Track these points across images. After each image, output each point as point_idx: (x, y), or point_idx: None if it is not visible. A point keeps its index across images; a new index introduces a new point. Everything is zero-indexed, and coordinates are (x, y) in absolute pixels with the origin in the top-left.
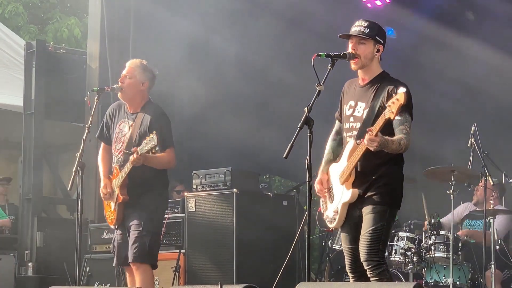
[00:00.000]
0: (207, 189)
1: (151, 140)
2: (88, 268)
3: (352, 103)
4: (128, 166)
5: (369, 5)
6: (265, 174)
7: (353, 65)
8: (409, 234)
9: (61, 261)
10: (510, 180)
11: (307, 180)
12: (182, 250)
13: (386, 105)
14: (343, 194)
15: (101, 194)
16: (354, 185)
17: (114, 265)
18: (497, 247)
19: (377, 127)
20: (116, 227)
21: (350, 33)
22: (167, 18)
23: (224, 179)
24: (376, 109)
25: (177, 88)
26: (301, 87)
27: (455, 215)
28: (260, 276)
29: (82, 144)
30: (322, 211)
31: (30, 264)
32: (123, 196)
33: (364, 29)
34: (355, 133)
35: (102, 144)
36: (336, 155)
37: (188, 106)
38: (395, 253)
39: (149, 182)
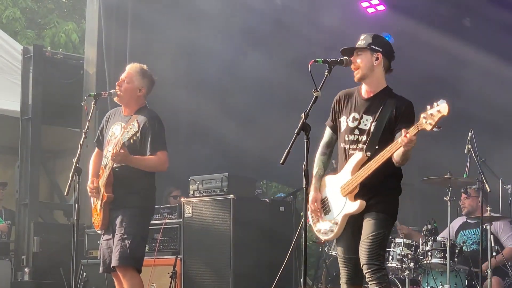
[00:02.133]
0: (204, 194)
1: (132, 128)
2: (84, 273)
3: (356, 115)
4: (111, 163)
5: (369, 10)
6: (261, 180)
7: (355, 75)
8: (406, 240)
9: (57, 267)
10: (507, 187)
11: (303, 186)
12: (178, 256)
13: (422, 116)
14: (346, 205)
15: (88, 189)
16: (359, 196)
17: (100, 271)
18: (494, 254)
19: (413, 132)
20: (103, 232)
21: (348, 47)
22: (164, 24)
23: (221, 184)
24: (384, 123)
25: (174, 94)
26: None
27: (451, 230)
28: (257, 281)
29: (79, 149)
30: (311, 223)
31: (26, 270)
32: (108, 194)
33: (360, 42)
34: (361, 146)
35: (96, 149)
36: (326, 169)
37: (185, 112)
38: (392, 259)
39: (134, 184)
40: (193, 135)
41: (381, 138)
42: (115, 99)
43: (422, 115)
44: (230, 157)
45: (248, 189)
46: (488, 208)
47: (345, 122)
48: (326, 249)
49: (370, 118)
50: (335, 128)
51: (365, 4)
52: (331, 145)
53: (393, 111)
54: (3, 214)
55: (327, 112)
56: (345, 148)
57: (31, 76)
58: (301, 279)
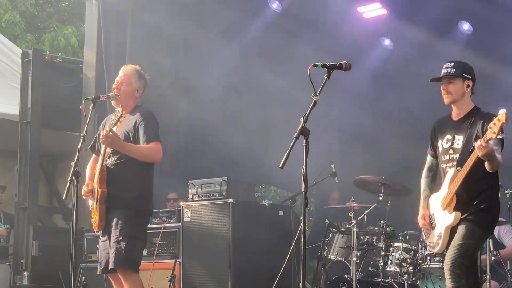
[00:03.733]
0: (203, 198)
1: (118, 113)
2: (83, 277)
3: (449, 137)
4: (102, 155)
5: (366, 15)
6: (261, 184)
7: (445, 99)
8: (405, 245)
9: (56, 270)
10: (506, 191)
11: (302, 190)
12: (177, 260)
13: (488, 127)
14: (446, 218)
15: (82, 192)
16: (456, 209)
17: (98, 273)
18: (493, 258)
19: (485, 139)
20: (101, 233)
21: (440, 75)
22: (163, 27)
23: (220, 188)
24: (473, 139)
25: (174, 98)
26: (299, 99)
27: None
28: (256, 286)
29: (77, 153)
30: (425, 239)
31: (25, 273)
32: (101, 190)
33: (451, 70)
34: (455, 163)
35: (93, 155)
36: (431, 191)
37: (184, 115)
38: (391, 263)
39: (129, 182)
40: (193, 139)
41: (470, 153)
42: (113, 102)
43: (489, 125)
44: (229, 161)
45: (247, 193)
46: None
47: (441, 145)
48: (325, 253)
49: (462, 137)
50: (434, 155)
51: (362, 9)
52: (432, 169)
53: (479, 127)
54: (2, 217)
55: (325, 115)
56: (443, 168)
57: (30, 79)
58: (300, 283)
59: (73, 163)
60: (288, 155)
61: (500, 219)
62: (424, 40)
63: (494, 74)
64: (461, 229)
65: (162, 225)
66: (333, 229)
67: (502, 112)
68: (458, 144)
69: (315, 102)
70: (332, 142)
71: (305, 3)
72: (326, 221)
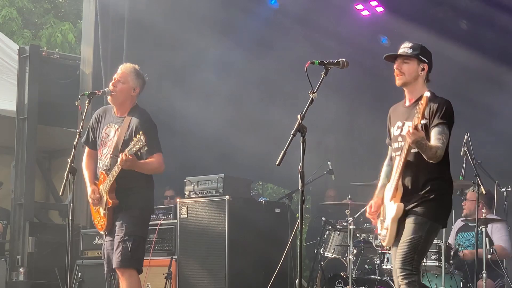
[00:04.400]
0: (200, 195)
1: (139, 141)
2: (79, 273)
3: (399, 123)
4: (116, 170)
5: (363, 13)
6: (257, 181)
7: (397, 80)
8: None
9: (52, 267)
10: (502, 189)
11: (299, 188)
12: (174, 257)
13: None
14: (391, 209)
15: (90, 201)
16: (402, 200)
17: (105, 272)
18: (489, 256)
19: (413, 125)
20: (106, 233)
21: (395, 53)
22: (160, 24)
23: (216, 185)
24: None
25: (170, 95)
26: (295, 95)
27: (451, 230)
28: (252, 283)
29: (73, 149)
30: (379, 232)
31: (21, 269)
32: (112, 201)
33: (408, 50)
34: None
35: (87, 149)
36: (389, 180)
37: (181, 113)
38: (387, 261)
39: (132, 184)
40: (189, 136)
41: None
42: (109, 99)
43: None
44: (226, 158)
45: (243, 190)
46: (484, 211)
47: (392, 132)
48: (321, 250)
49: (411, 124)
50: (391, 143)
51: (359, 7)
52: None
53: (429, 112)
54: None
55: (323, 113)
56: (393, 156)
57: (27, 76)
58: (296, 281)
59: (69, 160)
60: (285, 152)
61: (494, 217)
62: (421, 38)
63: (493, 74)
64: (409, 223)
65: (158, 222)
66: (330, 227)
67: (425, 95)
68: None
69: (312, 99)
70: (329, 139)
71: (302, 0)
72: (323, 218)
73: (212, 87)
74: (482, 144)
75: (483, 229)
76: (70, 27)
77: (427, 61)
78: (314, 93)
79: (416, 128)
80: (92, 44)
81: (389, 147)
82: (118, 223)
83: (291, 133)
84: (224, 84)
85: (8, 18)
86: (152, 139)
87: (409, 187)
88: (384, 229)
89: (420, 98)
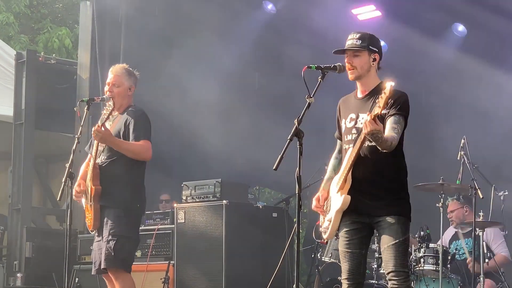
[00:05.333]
0: (197, 200)
1: (109, 106)
2: (77, 278)
3: (353, 115)
4: (94, 150)
5: (360, 17)
6: (254, 186)
7: (349, 75)
8: None
9: (50, 272)
10: (500, 193)
11: (296, 192)
12: (171, 261)
13: (377, 101)
14: (336, 201)
15: (74, 192)
16: (349, 192)
17: (92, 273)
18: (487, 260)
19: (372, 115)
20: (96, 232)
21: (344, 47)
22: (157, 28)
23: (213, 190)
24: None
25: (167, 99)
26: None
27: (443, 241)
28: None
29: (71, 155)
30: (320, 224)
31: (19, 275)
32: (95, 187)
33: (357, 41)
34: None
35: (89, 155)
36: (336, 173)
37: (179, 117)
38: None
39: (120, 181)
40: (186, 142)
41: None
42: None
43: (377, 100)
44: (223, 163)
45: (241, 195)
46: (481, 214)
47: (344, 125)
48: (319, 255)
49: (365, 116)
50: (340, 137)
51: (356, 11)
52: (342, 151)
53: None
54: None
55: (320, 117)
56: (345, 148)
57: (24, 81)
58: (294, 285)
59: (67, 165)
60: (282, 157)
61: (489, 220)
62: (418, 42)
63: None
64: (392, 223)
65: (155, 227)
66: None
67: (388, 85)
68: (361, 123)
69: (309, 104)
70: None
71: (299, 5)
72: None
73: (209, 91)
74: (478, 148)
75: (480, 233)
76: (67, 32)
77: (377, 50)
78: (311, 97)
79: (374, 119)
80: (89, 49)
81: (338, 140)
82: (104, 223)
83: (288, 138)
84: (220, 88)
85: (5, 23)
86: (140, 126)
87: (361, 179)
88: (327, 220)
89: (376, 89)
